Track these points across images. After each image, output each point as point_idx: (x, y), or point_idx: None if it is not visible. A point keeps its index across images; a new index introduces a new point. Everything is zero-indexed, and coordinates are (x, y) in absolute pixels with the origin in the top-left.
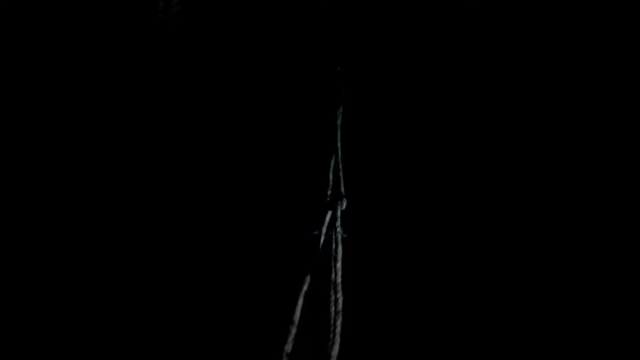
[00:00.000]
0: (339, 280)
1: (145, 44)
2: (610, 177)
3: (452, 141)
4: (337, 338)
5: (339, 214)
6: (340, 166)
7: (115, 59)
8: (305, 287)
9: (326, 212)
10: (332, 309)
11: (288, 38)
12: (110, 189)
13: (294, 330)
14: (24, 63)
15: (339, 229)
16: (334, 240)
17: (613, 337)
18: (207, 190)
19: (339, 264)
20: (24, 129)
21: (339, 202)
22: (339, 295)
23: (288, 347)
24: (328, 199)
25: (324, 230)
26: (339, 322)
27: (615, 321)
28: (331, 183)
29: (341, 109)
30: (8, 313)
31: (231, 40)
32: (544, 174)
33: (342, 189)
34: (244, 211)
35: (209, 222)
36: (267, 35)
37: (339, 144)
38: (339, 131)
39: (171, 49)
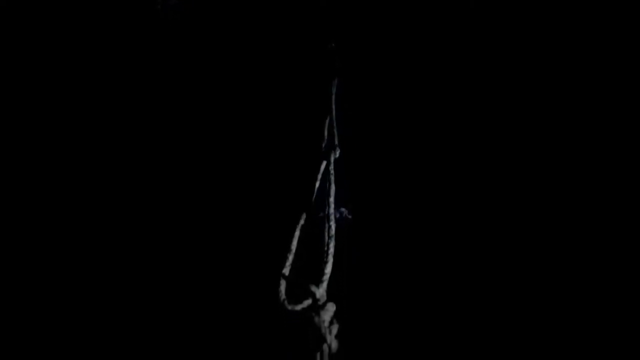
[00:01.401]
0: (332, 211)
1: (143, 36)
2: (610, 177)
3: (444, 123)
4: (330, 258)
5: (332, 160)
6: (335, 124)
7: (112, 53)
8: (302, 222)
9: (321, 161)
10: (326, 234)
11: (285, 18)
12: (108, 188)
13: (291, 257)
14: (23, 61)
15: (332, 172)
16: (327, 182)
17: (613, 337)
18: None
19: (331, 199)
20: (24, 128)
21: (333, 151)
22: (332, 223)
23: (286, 271)
24: (323, 150)
25: (319, 176)
26: (331, 245)
27: (615, 321)
28: (326, 138)
29: (335, 80)
30: (8, 313)
31: (228, 19)
32: (545, 173)
33: (336, 141)
34: (247, 164)
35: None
36: (263, 15)
37: (333, 106)
38: (333, 97)
39: (169, 40)
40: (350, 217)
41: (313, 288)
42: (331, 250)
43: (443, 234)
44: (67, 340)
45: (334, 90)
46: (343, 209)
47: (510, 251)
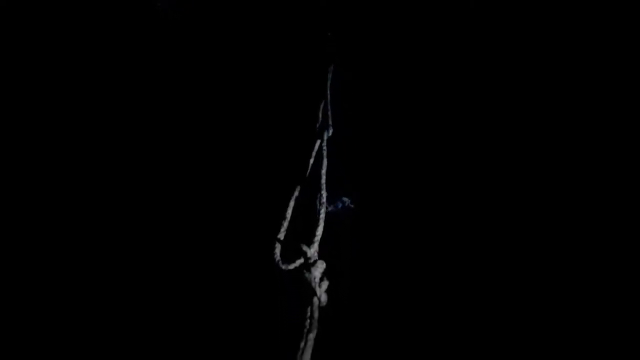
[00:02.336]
0: (324, 181)
1: (143, 36)
2: (610, 177)
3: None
4: (321, 222)
5: (325, 137)
6: (329, 107)
7: (112, 52)
8: (296, 193)
9: (316, 139)
10: (318, 201)
11: (283, 9)
12: (108, 188)
13: (285, 224)
14: (23, 60)
15: (324, 149)
16: (320, 157)
17: (613, 337)
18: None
19: (323, 171)
20: (24, 129)
21: (326, 130)
22: (324, 192)
23: (281, 236)
24: (318, 129)
25: (313, 153)
26: (322, 211)
27: (615, 321)
28: (320, 119)
29: (331, 67)
30: (8, 313)
31: (227, 10)
32: (545, 173)
33: (330, 122)
34: (249, 145)
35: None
36: (263, 6)
37: (328, 91)
38: (328, 82)
39: (168, 36)
40: (352, 206)
41: (304, 247)
42: (322, 215)
43: (442, 223)
44: (66, 339)
45: (329, 76)
46: (345, 199)
47: (507, 232)
